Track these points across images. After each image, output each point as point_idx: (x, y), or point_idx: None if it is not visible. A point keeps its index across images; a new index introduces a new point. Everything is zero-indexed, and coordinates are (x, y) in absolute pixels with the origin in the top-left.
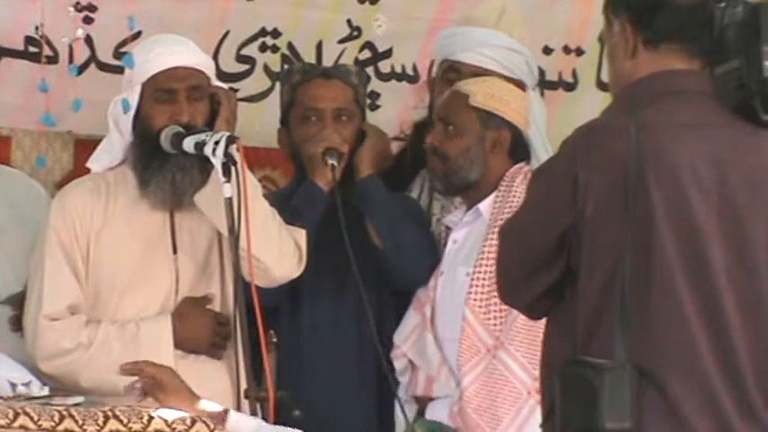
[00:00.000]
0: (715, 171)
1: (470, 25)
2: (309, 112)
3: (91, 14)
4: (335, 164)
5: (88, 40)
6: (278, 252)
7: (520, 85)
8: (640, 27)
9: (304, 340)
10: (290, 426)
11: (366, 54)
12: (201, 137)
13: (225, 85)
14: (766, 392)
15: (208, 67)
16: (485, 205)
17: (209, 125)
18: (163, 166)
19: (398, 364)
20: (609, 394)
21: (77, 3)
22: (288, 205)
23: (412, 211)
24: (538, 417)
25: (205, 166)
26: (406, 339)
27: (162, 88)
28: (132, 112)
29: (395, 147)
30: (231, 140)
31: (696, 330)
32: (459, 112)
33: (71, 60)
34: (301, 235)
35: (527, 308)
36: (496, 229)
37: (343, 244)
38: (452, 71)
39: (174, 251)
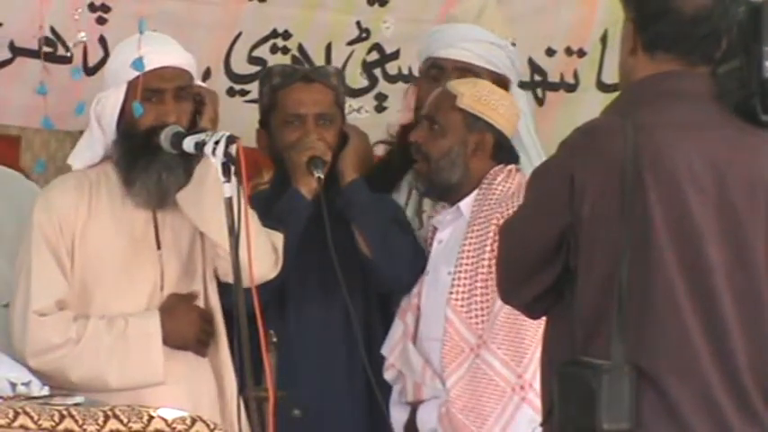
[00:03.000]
0: (713, 171)
1: (451, 22)
2: (291, 118)
3: (104, 15)
4: (321, 176)
5: (102, 40)
6: (255, 253)
7: (504, 79)
8: (640, 29)
9: (292, 344)
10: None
11: (374, 56)
12: (201, 137)
13: (202, 83)
14: (764, 391)
15: (192, 67)
16: (465, 204)
17: (193, 124)
18: (148, 166)
19: (389, 375)
20: (607, 395)
21: (91, 3)
22: (271, 212)
23: (396, 215)
24: (523, 414)
25: (190, 164)
26: (393, 350)
27: (150, 88)
28: (118, 110)
29: (381, 150)
30: (231, 140)
31: (694, 330)
32: (445, 112)
33: (85, 61)
34: (279, 238)
35: (527, 307)
36: (476, 228)
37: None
38: (435, 68)
39: (158, 247)
